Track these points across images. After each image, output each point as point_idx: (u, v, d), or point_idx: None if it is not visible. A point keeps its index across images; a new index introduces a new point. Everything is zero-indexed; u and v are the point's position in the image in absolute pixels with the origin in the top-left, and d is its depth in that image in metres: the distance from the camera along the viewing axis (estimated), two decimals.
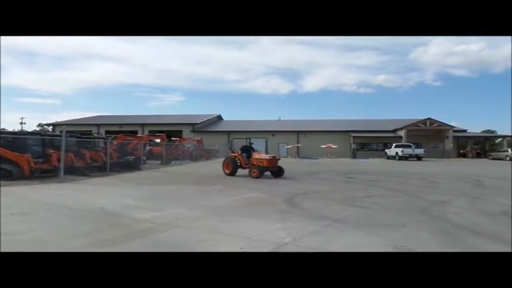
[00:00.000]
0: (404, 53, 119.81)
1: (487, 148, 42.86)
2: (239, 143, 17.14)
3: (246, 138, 16.78)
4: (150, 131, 43.21)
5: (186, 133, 43.69)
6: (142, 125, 46.57)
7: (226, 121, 55.47)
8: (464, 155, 39.96)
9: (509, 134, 41.91)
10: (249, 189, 10.32)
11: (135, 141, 21.01)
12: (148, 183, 12.11)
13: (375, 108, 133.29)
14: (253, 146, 15.77)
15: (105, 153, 16.42)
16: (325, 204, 7.87)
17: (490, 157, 35.13)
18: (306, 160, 32.91)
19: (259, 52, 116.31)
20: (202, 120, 48.08)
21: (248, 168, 14.59)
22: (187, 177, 14.35)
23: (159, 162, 21.89)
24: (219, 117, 57.31)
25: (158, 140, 25.32)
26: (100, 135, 27.61)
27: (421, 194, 9.51)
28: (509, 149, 33.59)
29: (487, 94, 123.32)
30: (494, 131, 69.61)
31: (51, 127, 49.89)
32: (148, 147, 23.45)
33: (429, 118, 38.33)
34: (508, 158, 31.28)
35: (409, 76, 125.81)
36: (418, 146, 35.45)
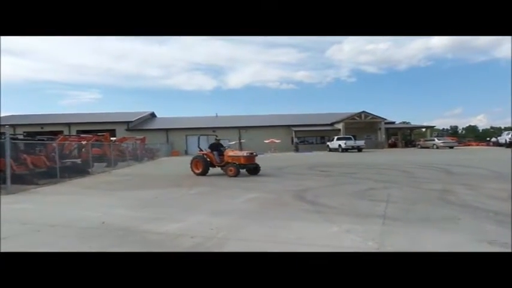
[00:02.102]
0: (321, 51, 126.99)
1: (412, 138, 46.93)
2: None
3: (214, 135, 15.83)
4: (78, 131, 39.41)
5: (121, 132, 40.64)
6: (69, 125, 42.28)
7: (162, 118, 53.02)
8: (393, 145, 43.27)
9: (421, 124, 46.54)
10: (242, 189, 9.54)
11: (74, 143, 18.64)
12: (118, 188, 10.62)
13: (298, 104, 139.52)
14: (221, 142, 14.88)
15: (47, 157, 14.36)
16: (343, 199, 7.46)
17: (419, 146, 38.51)
18: None
19: (181, 47, 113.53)
20: (136, 118, 45.10)
21: (221, 166, 13.76)
22: (157, 180, 12.97)
23: (104, 164, 19.72)
24: (153, 115, 54.49)
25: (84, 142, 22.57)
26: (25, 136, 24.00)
27: (415, 184, 9.65)
28: (435, 139, 37.18)
29: (395, 89, 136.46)
30: (409, 122, 77.15)
31: None
32: (83, 149, 21.07)
33: (364, 111, 40.77)
34: (435, 147, 34.55)
35: (327, 73, 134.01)
36: (354, 138, 37.43)
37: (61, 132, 38.53)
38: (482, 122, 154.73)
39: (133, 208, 7.15)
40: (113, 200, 8.30)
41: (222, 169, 14.01)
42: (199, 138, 15.36)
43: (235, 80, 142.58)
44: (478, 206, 6.41)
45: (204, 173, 13.61)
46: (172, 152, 41.04)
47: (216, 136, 15.37)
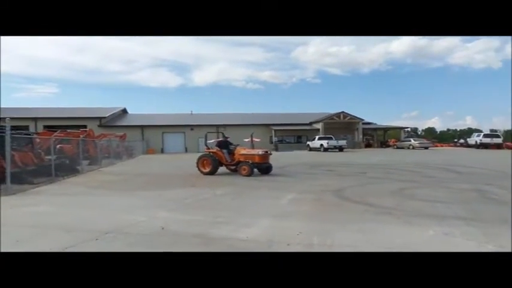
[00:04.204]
0: (288, 51, 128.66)
1: (386, 139, 48.18)
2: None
3: (220, 132, 15.06)
4: (45, 126, 37.00)
5: (92, 128, 38.49)
6: (35, 119, 39.51)
7: (135, 115, 50.83)
8: (368, 145, 44.20)
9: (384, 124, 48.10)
10: (270, 189, 9.11)
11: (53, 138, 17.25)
12: (130, 188, 9.80)
13: (264, 104, 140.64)
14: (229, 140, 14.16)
15: (34, 154, 13.14)
16: (392, 200, 7.22)
17: (395, 147, 39.60)
18: None
19: (144, 43, 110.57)
20: (109, 114, 42.98)
21: (230, 165, 13.18)
22: (163, 179, 12.15)
23: (86, 162, 18.39)
24: (124, 111, 52.18)
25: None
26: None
27: (441, 184, 9.63)
28: (411, 140, 38.38)
29: (357, 91, 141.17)
30: (375, 123, 79.42)
31: None
32: (58, 146, 19.61)
33: (342, 112, 41.33)
34: (411, 147, 35.66)
35: (292, 73, 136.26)
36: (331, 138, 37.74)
37: (27, 127, 36.04)
38: (436, 124, 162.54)
39: (174, 210, 6.52)
40: (140, 202, 7.55)
41: (228, 168, 13.44)
42: (206, 136, 14.59)
43: (201, 77, 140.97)
44: None
45: (212, 172, 12.90)
46: (148, 150, 39.49)
47: (223, 133, 14.62)
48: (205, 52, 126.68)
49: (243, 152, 12.98)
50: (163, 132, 42.25)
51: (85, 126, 38.40)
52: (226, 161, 13.13)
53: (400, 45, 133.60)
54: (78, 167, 15.11)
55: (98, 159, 18.69)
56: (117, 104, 57.86)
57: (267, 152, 13.16)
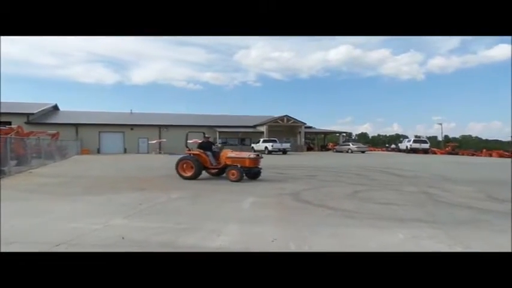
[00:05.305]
0: (230, 54, 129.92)
1: (325, 143, 50.20)
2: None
3: (201, 132, 13.98)
4: None
5: (18, 124, 34.93)
6: None
7: (68, 112, 47.12)
8: (310, 149, 45.70)
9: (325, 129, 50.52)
10: (229, 193, 8.84)
11: None
12: (73, 193, 8.89)
13: (205, 105, 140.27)
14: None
15: None
16: (350, 203, 7.37)
17: (334, 150, 41.38)
18: (176, 156, 31.09)
19: (80, 36, 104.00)
20: (39, 110, 39.39)
21: (215, 169, 12.20)
22: (107, 182, 11.27)
23: (13, 162, 16.53)
24: (56, 107, 48.25)
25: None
26: None
27: (389, 187, 10.10)
28: (350, 144, 40.38)
29: (296, 96, 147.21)
30: (314, 127, 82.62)
31: None
32: None
33: (286, 115, 42.25)
34: (350, 151, 37.50)
35: (234, 76, 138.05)
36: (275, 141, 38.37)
37: None
38: (368, 129, 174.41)
39: (129, 217, 5.98)
40: (88, 207, 6.86)
41: (209, 172, 12.44)
42: (187, 135, 13.53)
43: (139, 76, 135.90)
44: (479, 207, 6.90)
45: (195, 176, 11.69)
46: (83, 150, 36.83)
47: (204, 134, 13.46)
48: (144, 49, 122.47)
49: (231, 154, 12.00)
50: (100, 132, 39.72)
51: (9, 123, 34.78)
52: (211, 164, 12.04)
53: (337, 54, 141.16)
54: (5, 168, 13.48)
55: (28, 160, 16.95)
56: (47, 100, 53.30)
57: (258, 155, 12.20)
